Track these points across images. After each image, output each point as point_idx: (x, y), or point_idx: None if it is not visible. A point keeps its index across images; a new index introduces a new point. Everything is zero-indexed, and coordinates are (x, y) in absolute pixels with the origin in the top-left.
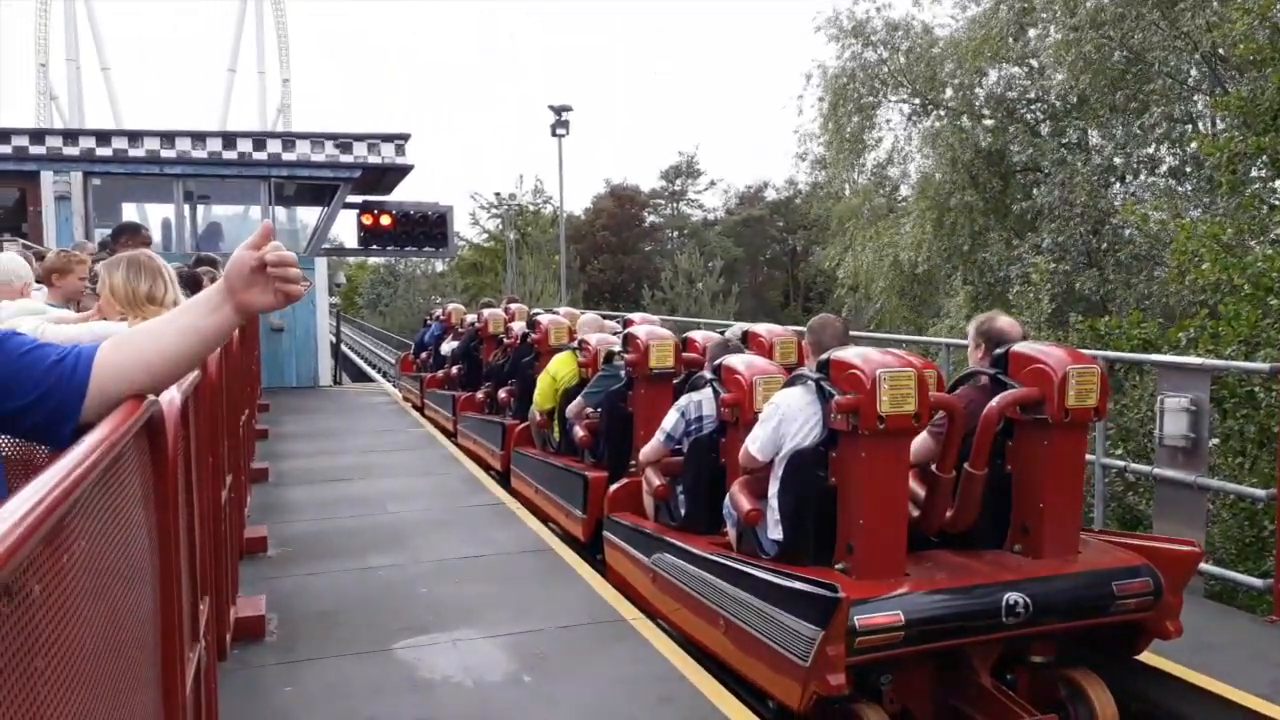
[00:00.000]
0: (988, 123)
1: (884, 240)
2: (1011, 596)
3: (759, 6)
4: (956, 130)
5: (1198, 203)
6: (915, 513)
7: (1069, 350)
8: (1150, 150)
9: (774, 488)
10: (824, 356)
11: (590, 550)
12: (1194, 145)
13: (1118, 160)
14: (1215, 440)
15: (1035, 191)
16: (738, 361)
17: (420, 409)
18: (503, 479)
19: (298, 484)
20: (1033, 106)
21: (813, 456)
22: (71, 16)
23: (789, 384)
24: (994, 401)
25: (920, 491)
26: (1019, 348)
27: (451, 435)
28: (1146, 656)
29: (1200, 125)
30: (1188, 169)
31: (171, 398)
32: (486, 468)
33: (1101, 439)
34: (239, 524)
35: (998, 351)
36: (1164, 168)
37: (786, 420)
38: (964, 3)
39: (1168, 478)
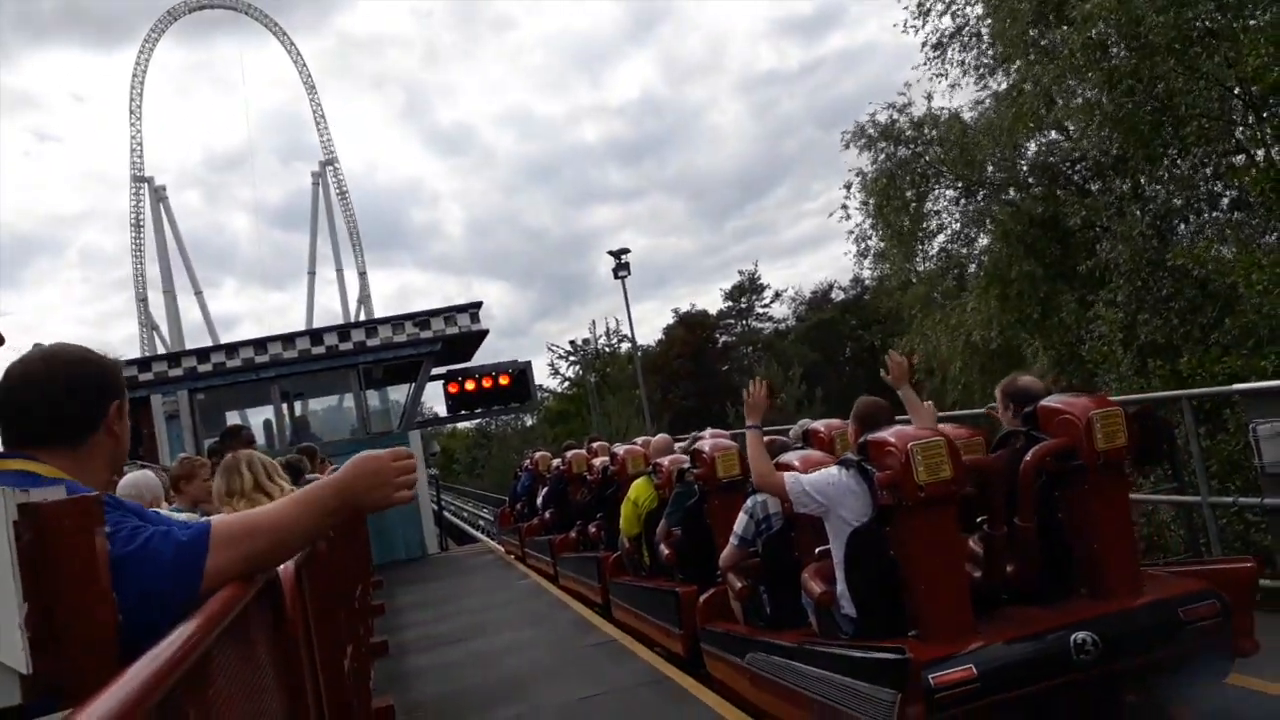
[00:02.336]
0: (1035, 191)
1: (953, 322)
2: (1079, 636)
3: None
4: (1003, 205)
5: (1269, 230)
6: (977, 573)
7: (1092, 396)
8: (1207, 187)
9: (840, 569)
10: (862, 439)
11: (693, 664)
12: (1249, 176)
13: (1177, 202)
14: None
15: (1098, 248)
16: (792, 457)
17: (522, 559)
18: (606, 611)
19: (417, 651)
20: (1077, 167)
21: (870, 534)
22: (164, 251)
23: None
24: (1027, 456)
25: (980, 552)
26: (1045, 402)
27: (554, 579)
28: (1247, 681)
29: (1258, 155)
30: (1250, 199)
31: (287, 566)
32: (590, 603)
33: (1203, 478)
34: (365, 694)
35: (1026, 410)
36: (1225, 202)
37: (838, 499)
38: (985, 82)
39: (1279, 506)
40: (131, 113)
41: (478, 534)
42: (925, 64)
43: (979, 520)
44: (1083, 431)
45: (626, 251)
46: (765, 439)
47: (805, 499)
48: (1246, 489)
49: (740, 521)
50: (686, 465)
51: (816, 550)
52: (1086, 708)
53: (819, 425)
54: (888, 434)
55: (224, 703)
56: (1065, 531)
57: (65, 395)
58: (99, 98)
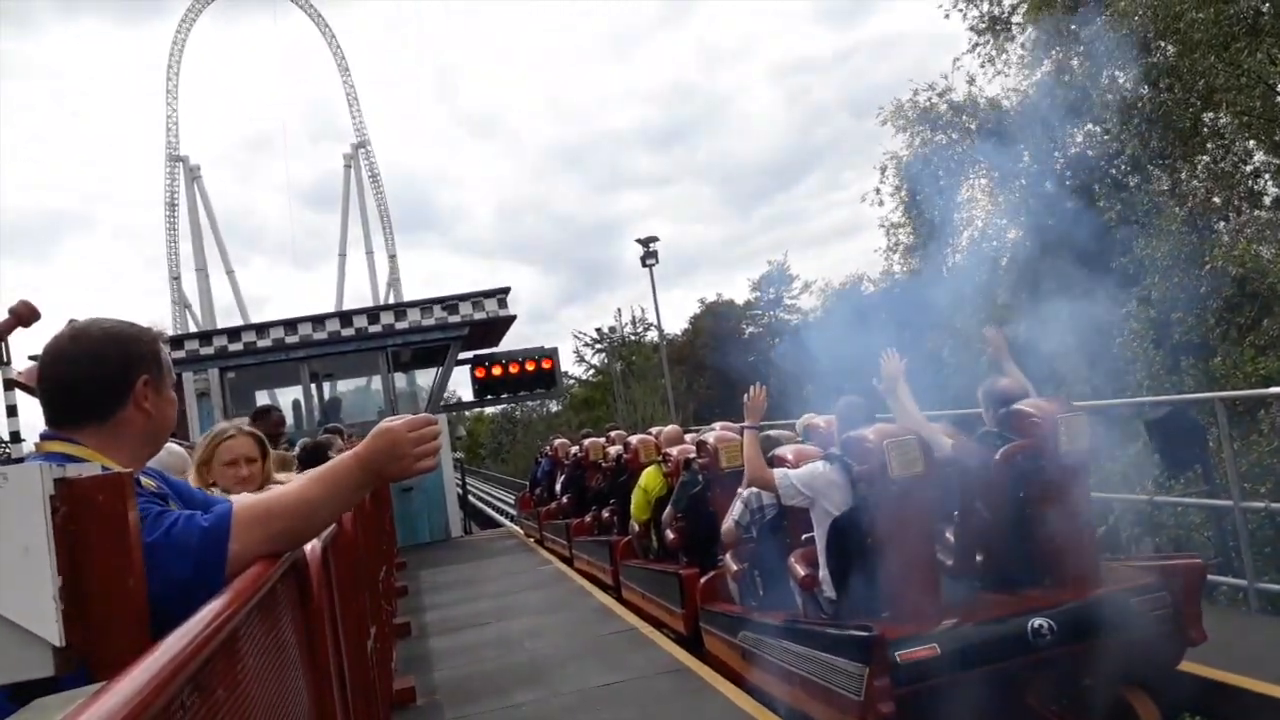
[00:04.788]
0: (1070, 185)
1: (983, 316)
2: (1036, 621)
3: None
4: (1038, 198)
5: None
6: (950, 561)
7: (1060, 403)
8: (1248, 185)
9: (822, 555)
10: (845, 435)
11: (694, 642)
12: None
13: (1216, 200)
14: None
15: (1135, 245)
16: (787, 451)
17: (541, 542)
18: (617, 593)
19: (439, 634)
20: (1115, 161)
21: (849, 522)
22: (197, 229)
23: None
24: (997, 455)
25: (953, 542)
26: (1018, 406)
27: (569, 561)
28: (1198, 669)
29: None
30: None
31: (313, 546)
32: (602, 585)
33: (1236, 481)
34: (387, 675)
35: (1002, 411)
36: (1268, 199)
37: (821, 491)
38: (1026, 71)
39: None
40: (168, 92)
41: (502, 519)
42: (972, 49)
43: (954, 513)
44: (1049, 434)
45: (655, 240)
46: (776, 434)
47: (792, 492)
48: (1277, 492)
49: (736, 508)
50: (693, 455)
51: (803, 537)
52: (1045, 688)
53: (820, 420)
54: (867, 431)
55: (251, 679)
56: (1031, 525)
57: (87, 372)
58: (133, 74)
